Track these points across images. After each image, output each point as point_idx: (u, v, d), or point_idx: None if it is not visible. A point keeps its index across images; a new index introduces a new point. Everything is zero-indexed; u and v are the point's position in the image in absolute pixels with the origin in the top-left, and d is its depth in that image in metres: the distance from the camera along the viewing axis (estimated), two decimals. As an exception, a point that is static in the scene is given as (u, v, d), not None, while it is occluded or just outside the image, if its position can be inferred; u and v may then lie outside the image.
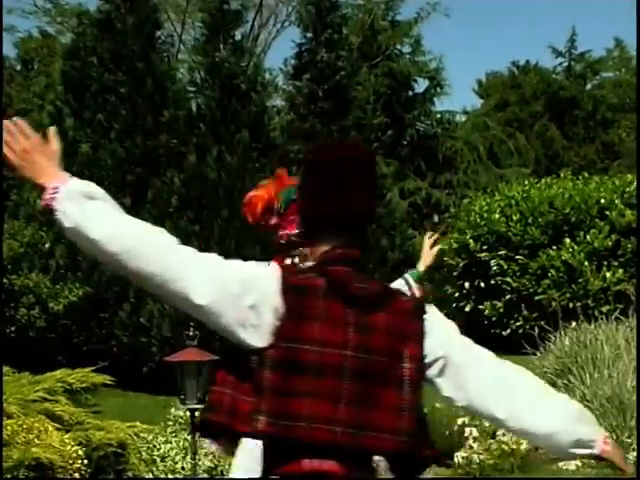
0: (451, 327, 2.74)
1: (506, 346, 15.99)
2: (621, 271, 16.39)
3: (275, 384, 2.55)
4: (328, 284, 2.61)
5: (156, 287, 2.60)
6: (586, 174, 19.04)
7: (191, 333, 6.78)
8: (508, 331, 16.85)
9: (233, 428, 2.60)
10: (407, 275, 4.87)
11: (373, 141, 16.45)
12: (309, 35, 16.70)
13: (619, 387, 9.00)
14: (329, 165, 2.73)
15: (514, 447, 8.71)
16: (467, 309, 17.77)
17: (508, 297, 17.11)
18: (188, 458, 7.20)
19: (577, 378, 9.23)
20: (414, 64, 26.28)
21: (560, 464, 8.77)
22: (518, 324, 16.79)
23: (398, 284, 4.61)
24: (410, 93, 26.06)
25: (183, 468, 7.22)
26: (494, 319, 17.20)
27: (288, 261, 3.81)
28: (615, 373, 9.16)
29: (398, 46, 26.40)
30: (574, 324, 10.76)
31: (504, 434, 8.96)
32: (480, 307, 17.46)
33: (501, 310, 17.18)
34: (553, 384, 9.60)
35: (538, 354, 10.47)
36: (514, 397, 2.72)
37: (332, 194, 2.68)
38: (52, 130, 2.70)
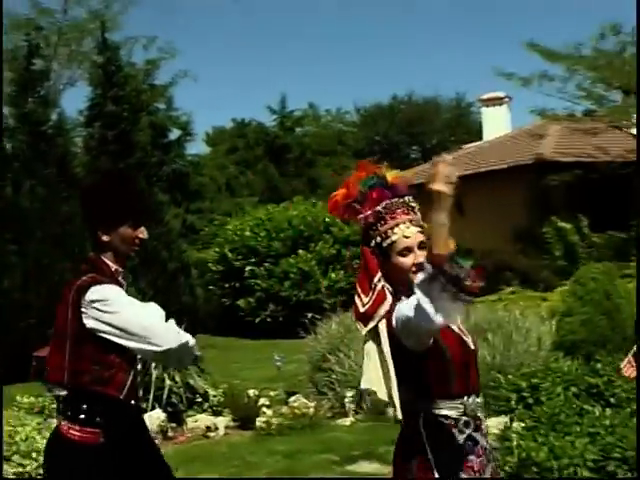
0: None
1: (260, 332, 16.55)
2: (342, 272, 17.15)
3: None
4: None
5: None
6: (314, 200, 19.73)
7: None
8: (258, 320, 17.46)
9: None
10: None
11: (152, 175, 16.37)
12: (98, 92, 16.45)
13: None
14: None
15: (304, 410, 8.80)
16: (227, 304, 18.36)
17: (258, 294, 17.65)
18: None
19: (345, 354, 9.27)
20: (169, 118, 26.49)
21: (338, 421, 8.54)
22: (266, 314, 17.38)
23: None
24: (166, 140, 26.18)
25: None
26: (248, 311, 17.65)
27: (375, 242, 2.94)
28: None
29: (155, 103, 26.58)
30: (339, 313, 10.87)
31: (295, 400, 9.03)
32: (237, 302, 17.93)
33: (253, 304, 17.67)
34: (326, 360, 9.73)
35: (311, 337, 10.61)
36: None
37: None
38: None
